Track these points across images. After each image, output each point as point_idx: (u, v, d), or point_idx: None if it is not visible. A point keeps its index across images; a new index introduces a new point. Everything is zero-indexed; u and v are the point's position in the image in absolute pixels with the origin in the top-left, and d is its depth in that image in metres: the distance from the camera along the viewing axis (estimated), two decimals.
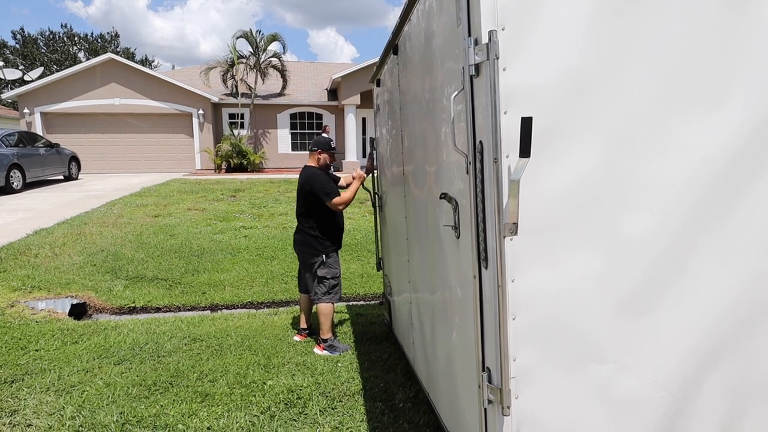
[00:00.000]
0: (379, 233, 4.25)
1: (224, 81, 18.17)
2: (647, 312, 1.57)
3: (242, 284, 5.71)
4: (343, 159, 18.91)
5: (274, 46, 18.58)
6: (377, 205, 4.17)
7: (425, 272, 2.42)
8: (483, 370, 1.54)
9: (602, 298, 1.54)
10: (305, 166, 3.80)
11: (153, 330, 4.29)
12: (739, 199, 1.60)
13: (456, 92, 1.57)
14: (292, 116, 19.64)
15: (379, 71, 3.53)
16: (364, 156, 20.35)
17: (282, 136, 19.58)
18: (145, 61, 39.45)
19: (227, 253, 6.80)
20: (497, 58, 1.37)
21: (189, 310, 5.14)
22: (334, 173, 4.00)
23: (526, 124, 1.34)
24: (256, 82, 18.05)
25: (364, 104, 18.92)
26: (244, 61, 18.04)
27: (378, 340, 4.03)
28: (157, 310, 5.14)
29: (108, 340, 4.01)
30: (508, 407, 1.45)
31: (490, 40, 1.37)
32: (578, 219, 1.49)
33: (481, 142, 1.47)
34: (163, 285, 5.73)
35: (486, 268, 1.50)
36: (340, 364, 3.54)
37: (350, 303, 5.28)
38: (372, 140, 4.04)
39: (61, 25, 51.17)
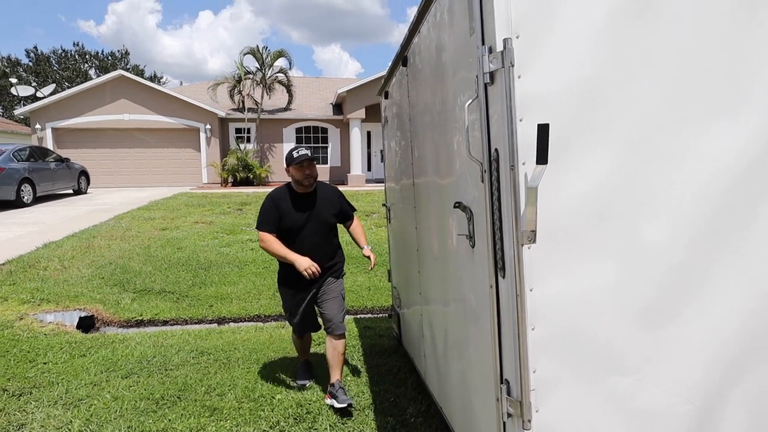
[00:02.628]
0: (389, 245, 4.24)
1: (231, 96, 18.39)
2: (668, 322, 1.53)
3: (249, 297, 5.69)
4: (348, 172, 18.98)
5: (281, 62, 18.81)
6: (387, 217, 4.17)
7: (437, 283, 2.39)
8: (501, 383, 1.51)
9: (620, 308, 1.51)
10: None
11: (160, 343, 4.26)
12: (758, 208, 1.57)
13: (470, 100, 1.57)
14: (298, 130, 19.80)
15: (387, 84, 3.55)
16: (369, 169, 20.44)
17: (288, 150, 19.73)
18: (154, 78, 40.10)
19: (234, 266, 6.79)
20: (512, 66, 1.37)
21: (196, 323, 5.12)
22: (333, 186, 3.43)
23: (543, 131, 1.33)
24: (262, 97, 18.25)
25: (369, 118, 19.05)
26: (251, 76, 18.28)
27: (387, 354, 3.98)
28: (165, 323, 5.12)
29: (116, 354, 3.99)
30: (529, 421, 1.41)
31: (505, 47, 1.37)
32: (593, 227, 1.47)
33: (496, 150, 1.46)
34: (170, 298, 5.72)
35: (503, 277, 1.48)
36: (349, 378, 3.49)
37: (358, 316, 5.23)
38: (381, 152, 4.06)
39: (74, 44, 52.21)
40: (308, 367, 3.51)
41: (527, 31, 1.40)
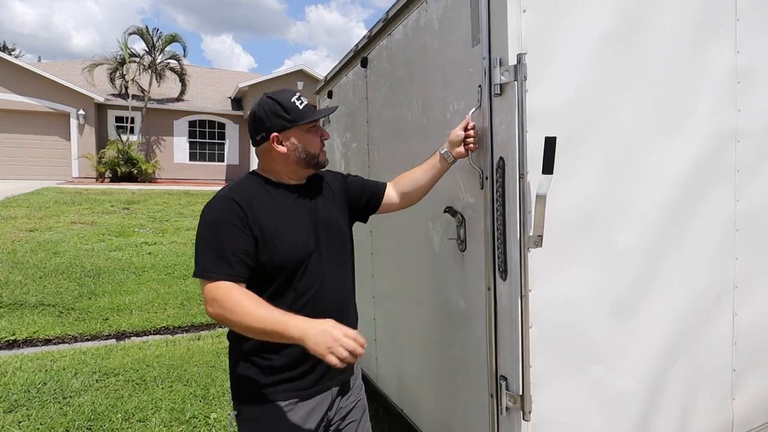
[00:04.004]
0: None
1: (112, 80, 16.45)
2: (630, 315, 1.75)
3: (153, 307, 5.14)
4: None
5: (173, 48, 17.31)
6: None
7: (402, 287, 2.42)
8: (499, 379, 1.59)
9: (598, 305, 1.68)
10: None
11: (49, 366, 3.66)
12: (692, 221, 1.88)
13: (473, 109, 1.63)
14: (191, 124, 18.40)
15: (330, 83, 3.49)
16: None
17: (179, 145, 18.20)
18: (4, 49, 34.03)
19: (130, 273, 6.08)
20: (525, 80, 1.46)
21: (89, 340, 4.47)
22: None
23: (551, 143, 1.44)
24: (150, 84, 16.62)
25: None
26: (137, 60, 16.53)
27: None
28: (47, 342, 4.39)
29: None
30: (530, 412, 1.51)
31: (519, 62, 1.45)
32: (582, 232, 1.63)
33: (501, 159, 1.54)
34: (51, 312, 4.93)
35: (504, 279, 1.56)
36: None
37: None
38: None
39: None
40: None
41: (535, 48, 1.50)
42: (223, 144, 19.10)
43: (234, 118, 18.92)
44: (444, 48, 1.85)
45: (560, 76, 1.55)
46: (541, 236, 1.46)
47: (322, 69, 17.42)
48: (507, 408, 1.56)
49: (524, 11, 1.50)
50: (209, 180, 18.60)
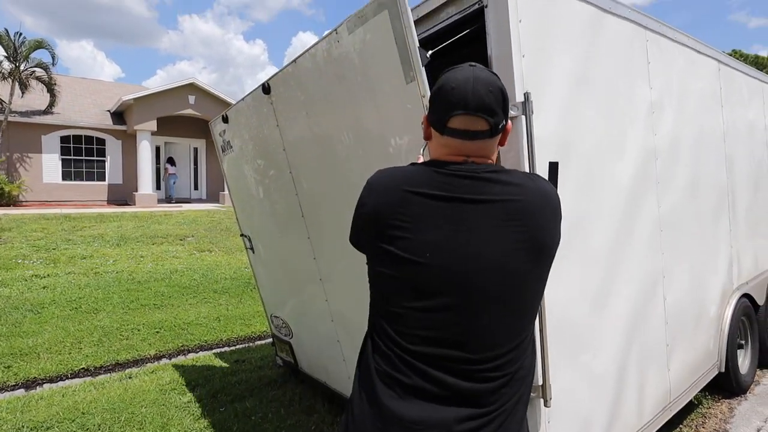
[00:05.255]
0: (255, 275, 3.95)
1: None
2: (604, 307, 2.10)
3: (65, 348, 4.53)
4: (135, 191, 16.56)
5: (39, 54, 15.22)
6: (249, 246, 3.80)
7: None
8: None
9: (582, 301, 2.00)
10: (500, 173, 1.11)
11: None
12: (635, 222, 2.32)
13: (422, 148, 1.75)
14: (64, 139, 16.28)
15: (228, 107, 3.30)
16: (158, 188, 18.22)
17: (49, 163, 15.96)
18: None
19: (26, 311, 5.26)
20: (532, 113, 1.72)
21: None
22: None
23: (554, 167, 1.72)
24: (12, 95, 14.41)
25: (162, 131, 17.10)
26: None
27: (278, 385, 3.80)
28: None
29: None
30: (550, 399, 1.74)
31: (526, 99, 1.71)
32: (570, 238, 1.93)
33: None
34: None
35: None
36: (253, 418, 3.23)
37: (218, 350, 4.76)
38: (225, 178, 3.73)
39: None
40: None
41: (533, 89, 1.77)
42: (104, 161, 17.18)
43: (116, 133, 17.15)
44: (371, 83, 1.88)
45: (549, 109, 1.85)
46: None
47: (200, 80, 16.71)
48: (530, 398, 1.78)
49: (523, 56, 1.76)
50: (88, 201, 16.58)
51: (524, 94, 1.72)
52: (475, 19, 1.88)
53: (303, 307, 3.28)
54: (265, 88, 2.61)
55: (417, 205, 1.05)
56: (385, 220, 1.07)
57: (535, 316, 1.13)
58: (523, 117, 1.72)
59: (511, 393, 1.07)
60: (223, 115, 3.29)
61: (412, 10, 2.05)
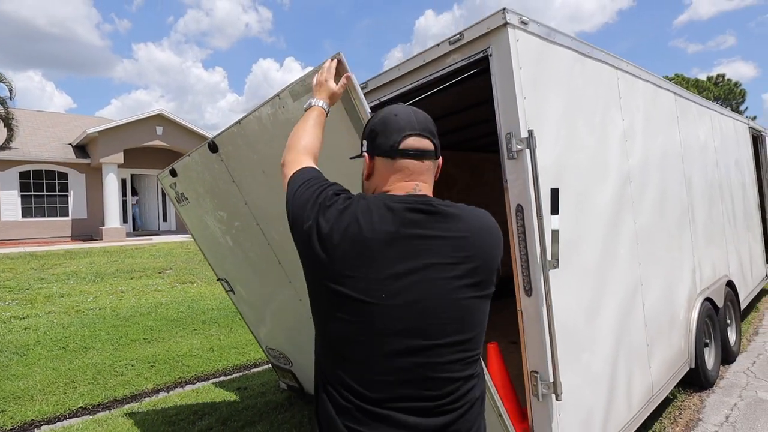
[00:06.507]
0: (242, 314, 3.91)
1: None
2: (596, 313, 2.40)
3: (59, 388, 4.44)
4: (102, 225, 16.09)
5: None
6: (229, 289, 3.75)
7: None
8: (531, 373, 2.05)
9: (579, 308, 2.29)
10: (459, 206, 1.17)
11: None
12: (617, 237, 2.65)
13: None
14: (24, 175, 15.75)
15: (175, 161, 3.23)
16: (125, 221, 17.75)
17: (8, 200, 15.35)
18: None
19: (11, 354, 5.10)
20: (536, 147, 2.02)
21: None
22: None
23: (555, 192, 2.02)
24: None
25: (128, 163, 16.81)
26: None
27: (285, 408, 3.89)
28: None
29: None
30: (561, 393, 2.00)
31: (530, 135, 2.01)
32: (568, 253, 2.23)
33: (519, 205, 2.07)
34: None
35: (529, 295, 2.06)
36: None
37: (214, 380, 4.77)
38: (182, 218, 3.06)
39: None
40: None
41: (533, 123, 2.08)
42: (67, 196, 16.66)
43: (79, 166, 16.72)
44: (325, 149, 1.90)
45: (547, 142, 2.17)
46: (557, 260, 2.01)
47: (168, 111, 16.73)
48: (543, 394, 2.03)
49: (525, 98, 2.08)
50: (51, 238, 15.96)
51: (528, 131, 2.02)
52: (477, 64, 2.19)
53: (298, 338, 3.30)
54: (212, 146, 2.62)
55: (371, 245, 1.04)
56: (340, 262, 1.04)
57: (482, 343, 1.15)
58: (527, 150, 2.02)
59: (471, 419, 1.09)
60: (170, 169, 3.23)
61: (419, 54, 2.35)
